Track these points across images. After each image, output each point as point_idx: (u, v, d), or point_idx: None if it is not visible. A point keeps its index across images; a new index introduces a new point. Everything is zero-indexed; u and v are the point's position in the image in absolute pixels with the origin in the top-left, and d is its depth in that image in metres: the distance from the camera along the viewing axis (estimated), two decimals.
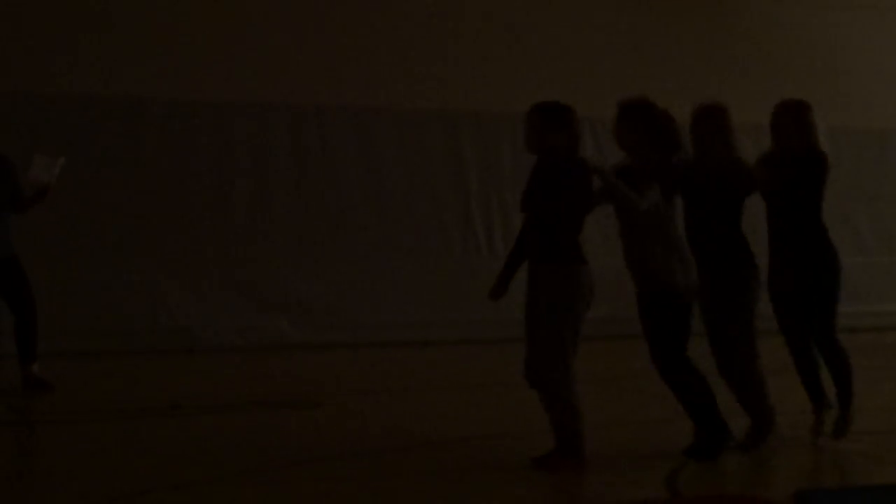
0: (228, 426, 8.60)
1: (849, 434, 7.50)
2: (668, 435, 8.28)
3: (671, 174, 7.10)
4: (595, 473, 7.00)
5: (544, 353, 6.81)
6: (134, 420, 8.68)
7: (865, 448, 7.82)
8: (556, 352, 6.79)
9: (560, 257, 6.82)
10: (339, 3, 13.36)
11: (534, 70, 13.87)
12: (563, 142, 6.90)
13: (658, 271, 7.03)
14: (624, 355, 12.02)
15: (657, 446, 7.81)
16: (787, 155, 7.66)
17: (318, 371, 11.55)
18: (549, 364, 6.79)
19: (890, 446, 7.97)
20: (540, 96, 7.17)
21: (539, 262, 6.88)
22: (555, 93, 13.05)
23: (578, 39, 14.55)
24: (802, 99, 7.95)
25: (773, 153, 7.79)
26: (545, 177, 6.90)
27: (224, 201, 12.95)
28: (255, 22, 13.10)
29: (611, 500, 6.41)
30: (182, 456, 7.36)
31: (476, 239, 13.73)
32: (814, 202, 7.77)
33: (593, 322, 7.27)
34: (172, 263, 12.69)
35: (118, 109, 12.60)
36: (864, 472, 7.14)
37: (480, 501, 6.61)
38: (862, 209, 15.94)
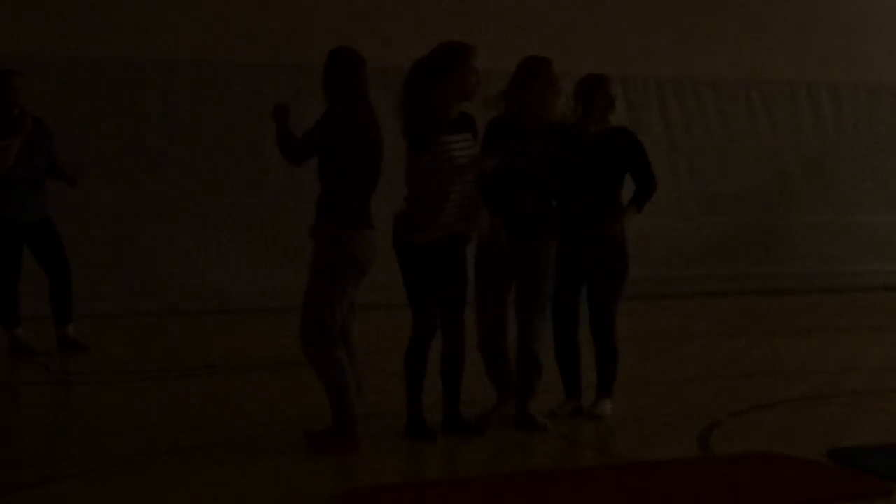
0: (262, 386, 8.67)
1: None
2: (700, 394, 8.30)
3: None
4: (628, 432, 7.02)
5: (308, 317, 6.33)
6: (168, 380, 8.74)
7: None
8: (321, 317, 6.30)
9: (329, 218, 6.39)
10: None
11: (564, 29, 13.84)
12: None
13: None
14: (655, 315, 12.05)
15: (689, 405, 7.82)
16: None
17: None
18: (312, 330, 6.31)
19: None
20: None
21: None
22: (580, 53, 12.99)
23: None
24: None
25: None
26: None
27: (257, 163, 12.97)
28: None
29: (643, 458, 6.43)
30: (216, 415, 7.42)
31: None
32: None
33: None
34: (205, 224, 12.74)
35: (151, 72, 12.63)
36: None
37: (512, 459, 6.65)
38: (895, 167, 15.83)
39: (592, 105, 7.21)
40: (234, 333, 11.46)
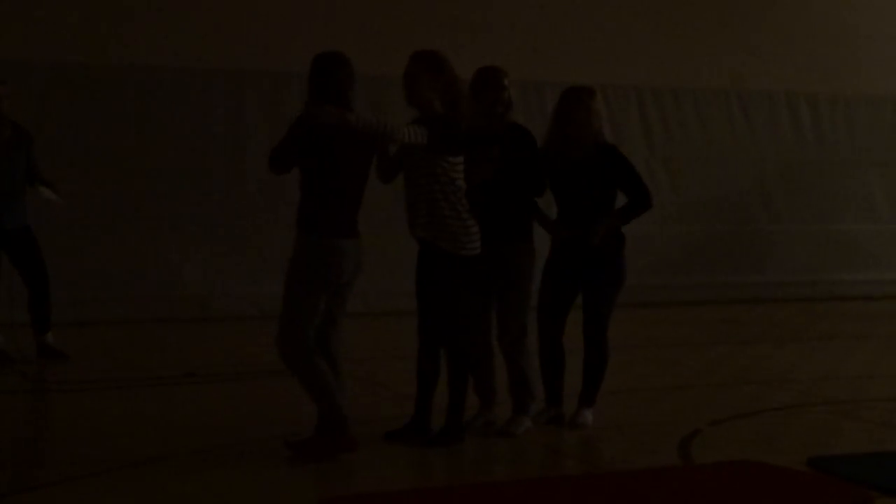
0: (243, 394, 8.64)
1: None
2: (680, 402, 8.31)
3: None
4: (608, 441, 7.02)
5: (282, 325, 6.34)
6: (149, 388, 8.71)
7: (880, 414, 7.83)
8: (293, 324, 6.32)
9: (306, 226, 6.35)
10: None
11: (546, 38, 13.86)
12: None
13: None
14: (634, 323, 12.05)
15: (670, 414, 7.83)
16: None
17: None
18: (286, 337, 6.33)
19: None
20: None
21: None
22: (561, 62, 13.01)
23: (586, 7, 14.51)
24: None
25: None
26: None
27: (237, 169, 12.96)
28: None
29: (624, 466, 6.42)
30: (197, 423, 7.39)
31: None
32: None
33: None
34: (186, 232, 12.72)
35: (131, 78, 12.61)
36: (878, 439, 7.14)
37: (493, 468, 6.65)
38: (874, 176, 15.89)
39: (575, 122, 7.05)
40: (215, 341, 11.43)
